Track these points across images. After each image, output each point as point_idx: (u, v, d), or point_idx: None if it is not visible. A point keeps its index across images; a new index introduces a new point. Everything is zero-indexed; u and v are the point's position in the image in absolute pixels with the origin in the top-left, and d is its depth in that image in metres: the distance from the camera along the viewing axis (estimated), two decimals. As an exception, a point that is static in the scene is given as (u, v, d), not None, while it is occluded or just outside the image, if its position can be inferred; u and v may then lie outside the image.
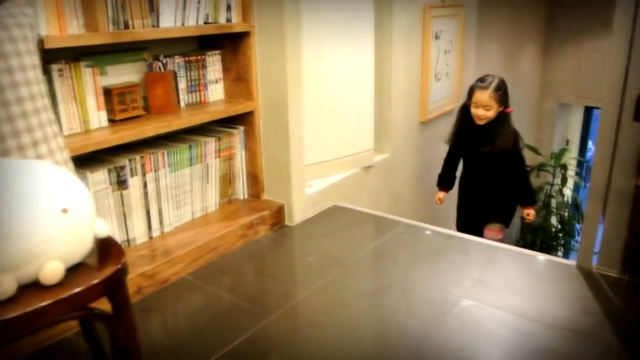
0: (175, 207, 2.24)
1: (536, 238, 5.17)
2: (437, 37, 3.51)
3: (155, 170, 2.12)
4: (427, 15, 3.32)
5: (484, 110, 2.66)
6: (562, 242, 5.37)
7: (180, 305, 1.93)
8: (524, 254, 2.26)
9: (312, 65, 2.58)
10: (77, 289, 1.05)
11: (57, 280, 1.05)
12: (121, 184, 2.00)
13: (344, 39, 2.71)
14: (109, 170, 1.96)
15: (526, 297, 1.89)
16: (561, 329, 1.70)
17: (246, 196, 2.57)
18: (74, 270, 1.10)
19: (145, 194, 2.10)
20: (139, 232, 2.10)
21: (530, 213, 2.90)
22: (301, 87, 2.41)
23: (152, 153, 2.09)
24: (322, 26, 2.61)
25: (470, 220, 3.01)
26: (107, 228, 1.17)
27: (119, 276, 1.13)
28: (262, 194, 2.56)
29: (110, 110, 2.03)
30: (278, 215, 2.50)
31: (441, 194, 3.07)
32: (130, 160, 2.03)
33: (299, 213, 2.54)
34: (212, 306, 1.91)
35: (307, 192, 2.60)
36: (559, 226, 5.37)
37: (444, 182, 3.07)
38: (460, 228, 3.02)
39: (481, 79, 2.72)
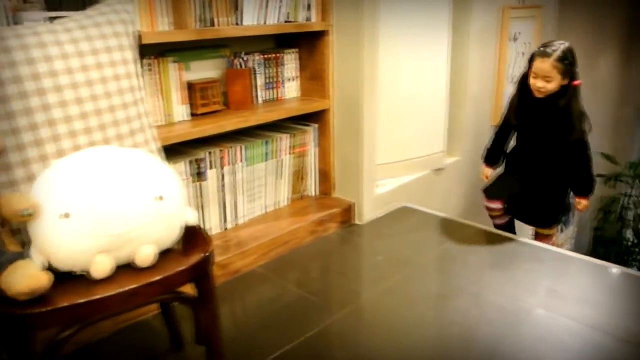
0: (249, 200, 2.30)
1: (609, 252, 4.94)
2: (514, 39, 3.42)
3: (232, 164, 2.18)
4: (506, 17, 3.24)
5: (544, 82, 2.26)
6: (638, 256, 5.11)
7: (251, 296, 1.98)
8: (598, 266, 2.18)
9: (388, 65, 2.58)
10: (168, 273, 1.10)
11: (150, 263, 1.11)
12: (200, 176, 2.08)
13: (420, 39, 2.69)
14: (190, 163, 2.04)
15: (601, 310, 1.83)
16: (636, 345, 1.64)
17: (316, 193, 2.60)
18: (165, 256, 1.16)
19: (222, 186, 2.17)
20: (214, 223, 2.17)
21: (582, 203, 2.48)
22: (376, 87, 2.41)
23: (230, 147, 2.16)
24: (400, 26, 2.60)
25: (510, 193, 2.56)
26: (197, 217, 1.22)
27: (206, 264, 1.18)
28: (332, 191, 2.58)
29: (192, 105, 2.11)
30: (348, 213, 2.51)
31: (487, 170, 2.67)
32: (209, 153, 2.10)
33: (368, 212, 2.55)
34: (281, 299, 1.95)
35: (377, 191, 2.60)
36: (635, 240, 5.11)
37: (492, 158, 2.65)
38: (491, 193, 2.59)
39: (544, 45, 2.31)
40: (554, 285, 1.99)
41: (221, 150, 2.13)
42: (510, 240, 2.41)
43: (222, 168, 2.15)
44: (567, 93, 2.28)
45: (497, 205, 2.58)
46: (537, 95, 2.32)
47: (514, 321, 1.76)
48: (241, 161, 2.22)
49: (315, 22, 2.37)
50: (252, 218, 2.33)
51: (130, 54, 1.33)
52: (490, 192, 2.59)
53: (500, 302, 1.88)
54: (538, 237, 2.60)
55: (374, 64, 2.36)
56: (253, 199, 2.31)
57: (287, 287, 2.03)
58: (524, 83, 2.40)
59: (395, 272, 2.10)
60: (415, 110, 2.76)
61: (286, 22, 2.30)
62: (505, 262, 2.19)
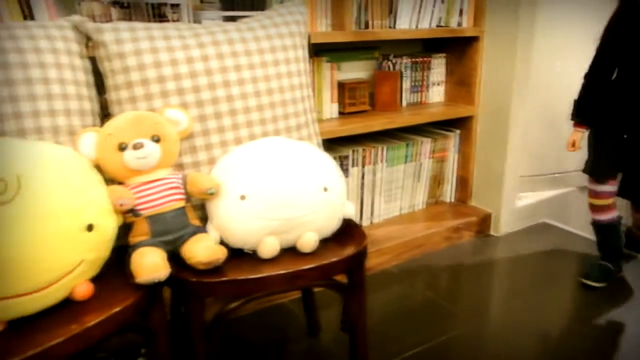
0: (386, 200, 2.34)
1: None
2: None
3: (373, 164, 2.23)
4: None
5: None
6: None
7: (383, 294, 2.02)
8: None
9: (539, 73, 2.48)
10: (327, 261, 1.17)
11: (311, 249, 1.19)
12: (342, 172, 2.15)
13: (577, 45, 2.55)
14: (334, 159, 2.11)
15: None
16: None
17: (452, 199, 2.58)
18: (323, 244, 1.23)
19: (362, 184, 2.23)
20: (351, 220, 2.24)
21: None
22: (526, 95, 2.33)
23: (373, 147, 2.21)
24: (555, 31, 2.49)
25: (625, 166, 1.96)
26: (354, 211, 1.28)
27: (361, 256, 1.23)
28: (469, 199, 2.54)
29: (340, 103, 2.19)
30: (484, 223, 2.46)
31: (578, 134, 2.02)
32: (353, 151, 2.16)
33: (505, 224, 2.48)
34: (412, 301, 1.97)
35: (517, 204, 2.52)
36: None
37: (586, 112, 1.96)
38: (601, 170, 1.98)
39: None
40: None
41: (364, 150, 2.19)
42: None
43: (364, 167, 2.21)
44: None
45: (610, 187, 1.98)
46: None
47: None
48: (382, 161, 2.26)
49: (466, 27, 2.35)
50: (387, 218, 2.37)
51: (302, 53, 1.42)
52: (599, 169, 1.97)
53: (653, 333, 1.74)
54: None
55: (525, 72, 2.29)
56: (390, 199, 2.35)
57: (419, 290, 2.04)
58: None
59: (530, 289, 2.03)
60: (565, 122, 2.63)
61: (438, 26, 2.30)
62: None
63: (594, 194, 2.03)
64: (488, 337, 1.76)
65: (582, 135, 2.04)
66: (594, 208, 2.05)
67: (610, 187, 1.98)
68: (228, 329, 1.79)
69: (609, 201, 2.01)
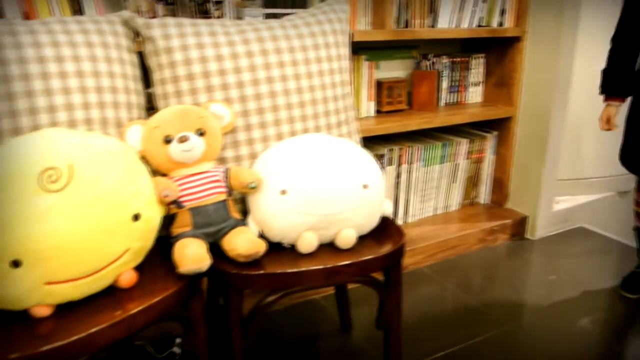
0: (421, 200, 2.33)
1: None
2: None
3: (409, 163, 2.23)
4: None
5: None
6: None
7: (416, 293, 2.01)
8: None
9: (581, 74, 2.43)
10: (365, 258, 1.17)
11: (350, 245, 1.19)
12: (378, 171, 2.15)
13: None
14: (370, 157, 2.12)
15: None
16: None
17: (487, 201, 2.55)
18: (361, 241, 1.24)
19: (397, 183, 2.22)
20: (385, 218, 2.24)
21: None
22: (567, 97, 2.29)
23: (410, 146, 2.20)
24: (599, 31, 2.44)
25: None
26: (392, 209, 1.28)
27: (398, 254, 1.23)
28: (505, 201, 2.51)
29: (377, 102, 2.19)
30: (520, 226, 2.43)
31: (612, 108, 1.79)
32: (389, 150, 2.16)
33: (542, 228, 2.44)
34: (445, 302, 1.96)
35: (554, 207, 2.48)
36: None
37: (617, 83, 1.75)
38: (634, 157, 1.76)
39: None
40: None
41: (400, 149, 2.18)
42: None
43: (399, 166, 2.20)
44: None
45: None
46: None
47: None
48: (418, 161, 2.25)
49: (508, 28, 2.32)
50: (422, 218, 2.36)
51: (344, 51, 1.43)
52: (635, 155, 1.73)
53: (695, 345, 1.70)
54: None
55: (567, 73, 2.25)
56: (424, 199, 2.34)
57: (452, 291, 2.02)
58: None
59: (566, 294, 2.00)
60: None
61: (478, 26, 2.28)
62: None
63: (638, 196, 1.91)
64: (520, 341, 1.74)
65: (617, 110, 1.79)
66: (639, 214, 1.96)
67: None
68: (261, 323, 1.81)
69: None
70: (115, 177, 1.00)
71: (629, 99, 1.80)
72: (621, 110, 1.83)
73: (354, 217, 1.18)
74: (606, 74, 1.78)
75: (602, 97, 1.87)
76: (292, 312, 1.90)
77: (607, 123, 1.81)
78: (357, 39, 1.96)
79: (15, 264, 0.91)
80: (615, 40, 1.74)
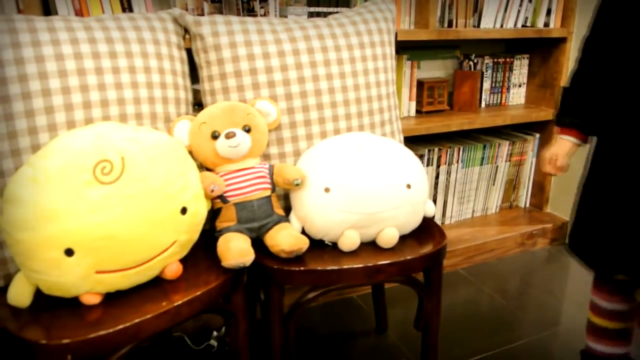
0: (459, 202, 2.30)
1: None
2: None
3: (448, 164, 2.21)
4: None
5: None
6: None
7: (453, 296, 2.00)
8: None
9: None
10: (407, 257, 1.17)
11: (391, 245, 1.20)
12: (417, 171, 2.14)
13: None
14: (409, 157, 2.11)
15: None
16: None
17: (527, 205, 2.51)
18: (403, 240, 1.24)
19: (436, 184, 2.21)
20: (423, 219, 2.22)
21: None
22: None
23: (449, 147, 2.18)
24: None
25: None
26: (434, 209, 1.27)
27: (440, 255, 1.23)
28: (545, 205, 2.47)
29: (418, 102, 2.18)
30: (560, 231, 2.38)
31: (564, 144, 1.26)
32: (429, 150, 2.15)
33: (583, 233, 2.38)
34: (482, 305, 1.93)
35: (596, 213, 2.42)
36: None
37: (574, 111, 1.23)
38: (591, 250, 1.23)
39: None
40: None
41: (440, 149, 2.17)
42: None
43: (439, 167, 2.19)
44: None
45: (617, 305, 1.27)
46: None
47: None
48: (457, 162, 2.23)
49: (554, 28, 2.27)
50: (460, 220, 2.34)
51: (389, 50, 1.42)
52: (590, 247, 1.23)
53: None
54: None
55: (615, 77, 2.19)
56: (463, 201, 2.32)
57: (489, 295, 2.00)
58: None
59: (611, 302, 1.94)
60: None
61: (523, 26, 2.24)
62: None
63: (593, 306, 1.31)
64: (557, 349, 1.71)
65: (571, 149, 1.27)
66: (592, 329, 1.34)
67: (617, 304, 1.25)
68: (298, 319, 1.83)
69: (616, 324, 1.26)
70: (164, 171, 1.03)
71: (592, 142, 1.25)
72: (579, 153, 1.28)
73: (397, 216, 1.18)
74: (568, 98, 1.25)
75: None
76: (328, 309, 1.90)
77: (559, 167, 1.29)
78: (400, 38, 1.95)
79: (69, 252, 0.94)
80: (583, 64, 1.22)
